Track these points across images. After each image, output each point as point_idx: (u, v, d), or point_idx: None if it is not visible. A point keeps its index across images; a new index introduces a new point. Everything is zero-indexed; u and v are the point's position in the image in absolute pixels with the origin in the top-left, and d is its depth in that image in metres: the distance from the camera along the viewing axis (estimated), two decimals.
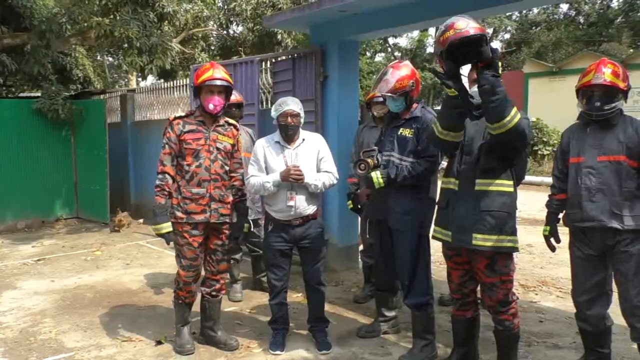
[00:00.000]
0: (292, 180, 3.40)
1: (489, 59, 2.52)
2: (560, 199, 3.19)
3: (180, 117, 3.59)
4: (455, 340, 3.29)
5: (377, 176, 3.40)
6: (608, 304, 3.08)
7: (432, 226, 3.25)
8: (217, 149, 3.58)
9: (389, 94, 3.43)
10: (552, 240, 3.25)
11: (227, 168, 3.66)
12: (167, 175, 3.51)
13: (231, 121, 3.79)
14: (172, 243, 3.57)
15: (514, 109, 2.60)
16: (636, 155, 2.87)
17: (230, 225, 3.70)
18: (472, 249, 2.90)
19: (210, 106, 3.51)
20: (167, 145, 3.53)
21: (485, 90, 2.56)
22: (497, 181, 2.88)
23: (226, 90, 3.60)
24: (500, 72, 2.57)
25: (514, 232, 2.92)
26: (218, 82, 3.48)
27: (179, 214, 3.51)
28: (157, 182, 3.51)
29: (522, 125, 2.60)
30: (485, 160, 2.87)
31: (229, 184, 3.69)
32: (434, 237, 3.21)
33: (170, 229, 3.49)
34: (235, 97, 4.63)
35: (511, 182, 2.92)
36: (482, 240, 2.86)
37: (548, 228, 3.26)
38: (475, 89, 2.78)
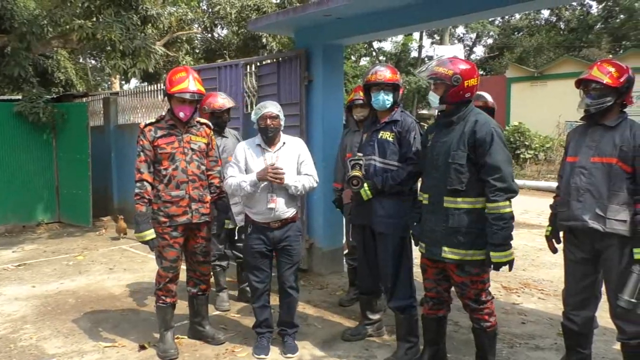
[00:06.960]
0: (269, 179, 3.40)
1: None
2: None
3: (151, 124, 3.61)
4: (426, 339, 3.35)
5: (365, 191, 3.45)
6: (596, 306, 3.11)
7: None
8: (192, 149, 3.62)
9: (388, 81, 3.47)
10: (554, 241, 3.23)
11: (203, 168, 3.70)
12: (145, 183, 3.52)
13: (203, 120, 3.81)
14: None
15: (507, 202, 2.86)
16: (629, 159, 2.79)
17: (209, 224, 3.73)
18: (440, 260, 3.04)
19: (181, 114, 3.56)
20: (142, 153, 3.54)
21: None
22: (467, 199, 2.94)
23: (197, 100, 3.64)
24: None
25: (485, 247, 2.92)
26: (189, 96, 3.50)
27: (161, 218, 3.53)
28: (136, 190, 3.51)
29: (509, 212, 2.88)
30: (454, 180, 2.93)
31: (207, 183, 3.73)
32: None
33: (154, 235, 3.50)
34: (224, 103, 4.51)
35: (481, 199, 2.91)
36: (451, 254, 2.98)
37: (550, 229, 3.25)
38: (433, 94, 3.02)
